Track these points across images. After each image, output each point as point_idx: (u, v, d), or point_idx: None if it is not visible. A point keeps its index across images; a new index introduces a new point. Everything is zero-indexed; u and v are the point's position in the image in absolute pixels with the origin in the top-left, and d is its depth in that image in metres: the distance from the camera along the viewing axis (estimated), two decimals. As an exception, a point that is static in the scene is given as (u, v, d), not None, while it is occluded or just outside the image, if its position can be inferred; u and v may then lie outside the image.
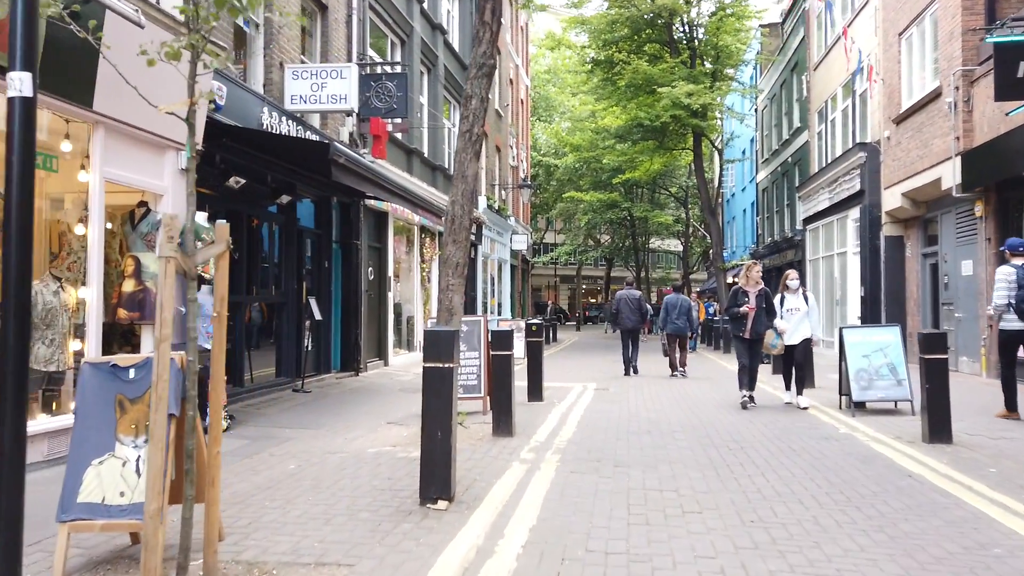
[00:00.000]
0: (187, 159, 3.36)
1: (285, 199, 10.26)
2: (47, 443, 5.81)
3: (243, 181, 8.95)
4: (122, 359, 3.91)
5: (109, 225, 7.18)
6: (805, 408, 9.05)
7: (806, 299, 9.39)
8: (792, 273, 9.67)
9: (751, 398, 9.31)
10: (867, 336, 9.27)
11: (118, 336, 7.62)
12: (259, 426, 7.97)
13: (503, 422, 7.35)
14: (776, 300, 9.38)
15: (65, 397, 6.37)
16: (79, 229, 6.45)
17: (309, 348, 11.84)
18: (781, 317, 9.27)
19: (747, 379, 9.30)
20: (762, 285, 9.47)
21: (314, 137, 10.73)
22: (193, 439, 3.47)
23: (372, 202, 13.68)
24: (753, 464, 6.04)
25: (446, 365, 4.80)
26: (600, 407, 9.53)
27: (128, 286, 7.08)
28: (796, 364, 9.34)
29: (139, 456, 3.80)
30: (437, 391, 4.77)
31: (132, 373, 3.88)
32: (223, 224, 3.54)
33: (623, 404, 9.88)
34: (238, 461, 6.28)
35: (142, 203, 7.27)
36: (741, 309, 9.24)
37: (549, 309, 41.86)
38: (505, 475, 5.68)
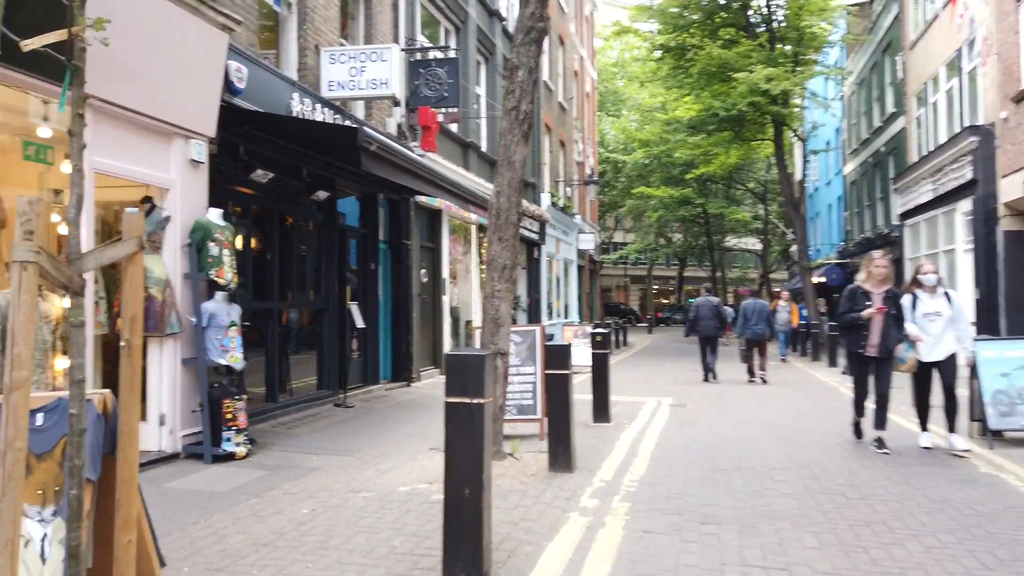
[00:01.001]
0: (60, 110, 2.30)
1: (322, 195, 9.33)
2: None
3: (270, 175, 8.03)
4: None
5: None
6: (964, 454, 6.69)
7: (949, 300, 7.06)
8: (927, 266, 7.30)
9: (881, 442, 6.91)
10: (1005, 351, 7.64)
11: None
12: (284, 450, 7.00)
13: (561, 455, 6.15)
14: (905, 303, 7.04)
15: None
16: (65, 229, 5.58)
17: (355, 356, 10.93)
18: (914, 323, 6.97)
19: (879, 416, 6.96)
20: (890, 284, 7.10)
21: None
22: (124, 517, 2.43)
23: (424, 199, 12.68)
24: (883, 525, 4.65)
25: (475, 400, 3.66)
26: (678, 431, 8.20)
27: (131, 294, 6.20)
28: (946, 389, 6.89)
29: (45, 535, 2.78)
30: (463, 434, 3.64)
31: (40, 419, 2.86)
32: (132, 214, 2.47)
33: (705, 427, 8.51)
34: (244, 501, 5.28)
35: (146, 199, 6.40)
36: (862, 314, 6.92)
37: (620, 310, 40.28)
38: (560, 535, 4.48)
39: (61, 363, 5.40)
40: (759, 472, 6.14)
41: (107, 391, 2.93)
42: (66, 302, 5.27)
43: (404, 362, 12.18)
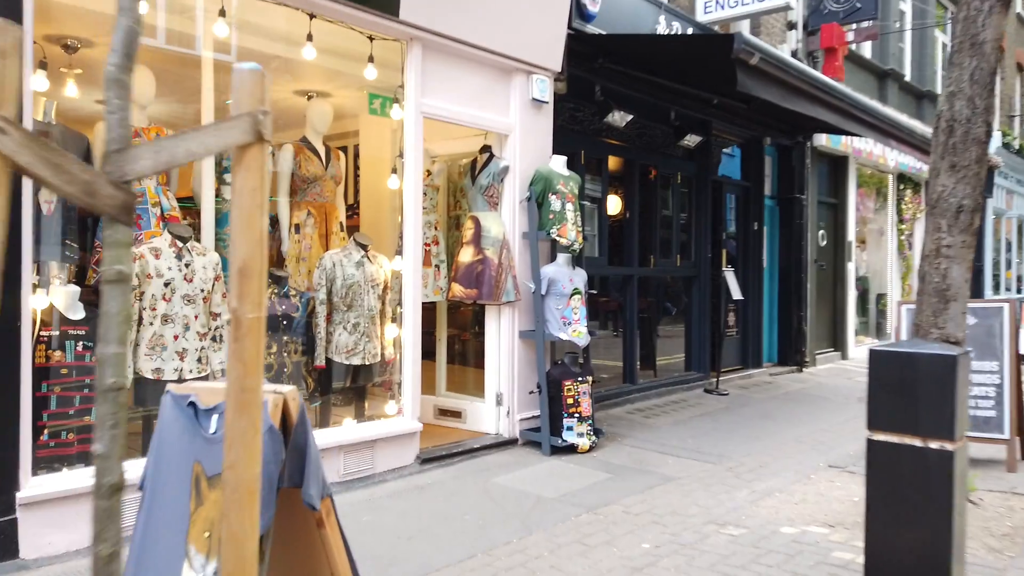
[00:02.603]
0: None
1: (693, 140, 7.78)
2: (342, 459, 4.49)
3: (629, 117, 6.76)
4: (204, 390, 1.99)
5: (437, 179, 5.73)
6: None
7: None
8: None
9: None
10: None
11: (468, 320, 6.19)
12: (635, 446, 5.75)
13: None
14: None
15: (376, 399, 5.08)
16: (392, 182, 5.04)
17: (732, 334, 9.23)
18: None
19: None
20: None
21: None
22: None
23: (824, 142, 10.26)
24: None
25: (935, 445, 1.83)
26: None
27: (466, 255, 5.51)
28: None
29: (206, 600, 1.85)
30: (907, 502, 1.83)
31: (214, 424, 1.93)
32: (247, 70, 1.28)
33: None
34: (573, 516, 4.14)
35: (484, 148, 5.62)
36: None
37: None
38: None
39: (391, 332, 4.86)
40: None
41: (290, 388, 1.90)
42: (397, 264, 4.68)
43: (794, 343, 10.05)
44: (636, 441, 5.91)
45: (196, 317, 3.94)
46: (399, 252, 4.89)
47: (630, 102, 6.90)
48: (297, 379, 4.41)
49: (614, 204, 7.64)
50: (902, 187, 13.16)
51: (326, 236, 4.87)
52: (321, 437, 4.37)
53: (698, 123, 8.03)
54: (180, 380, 3.92)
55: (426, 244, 5.75)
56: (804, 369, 10.12)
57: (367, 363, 4.72)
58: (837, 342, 11.39)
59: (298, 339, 4.44)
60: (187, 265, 3.91)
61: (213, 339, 4.05)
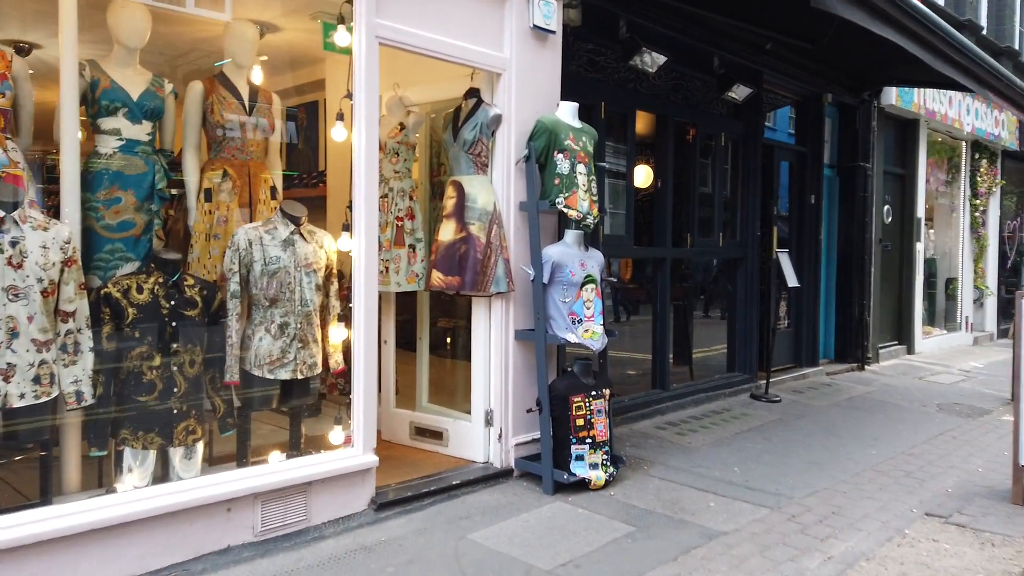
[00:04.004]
0: None
1: (742, 92, 6.36)
2: (258, 511, 3.27)
3: (663, 59, 5.38)
4: None
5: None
6: None
7: None
8: None
9: None
10: None
11: (462, 311, 4.93)
12: (666, 477, 4.45)
13: None
14: None
15: (317, 423, 3.84)
16: (337, 133, 3.75)
17: (783, 327, 7.85)
18: None
19: None
20: None
21: None
22: None
23: (893, 101, 8.73)
24: None
25: None
26: None
27: (446, 232, 4.23)
28: None
29: None
30: None
31: None
32: None
33: None
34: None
35: (471, 92, 4.31)
36: None
37: None
38: None
39: (337, 335, 3.63)
40: None
41: None
42: (346, 244, 3.43)
43: (855, 336, 8.61)
44: (667, 470, 4.61)
45: (30, 319, 2.74)
46: (346, 227, 3.63)
47: (663, 42, 5.52)
48: (196, 403, 3.20)
49: (642, 171, 6.29)
50: (977, 156, 11.51)
51: (251, 206, 3.63)
52: (229, 483, 3.16)
53: (747, 73, 6.60)
54: (4, 408, 2.73)
55: (398, 218, 4.50)
56: (866, 367, 8.68)
57: (300, 377, 3.49)
58: (902, 334, 9.90)
59: (197, 347, 3.21)
60: (12, 244, 2.71)
61: (63, 349, 2.86)
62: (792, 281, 6.89)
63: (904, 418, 6.32)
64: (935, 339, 10.67)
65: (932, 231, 11.17)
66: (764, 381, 6.92)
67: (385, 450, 4.60)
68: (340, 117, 3.75)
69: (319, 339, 3.57)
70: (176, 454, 3.18)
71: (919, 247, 10.02)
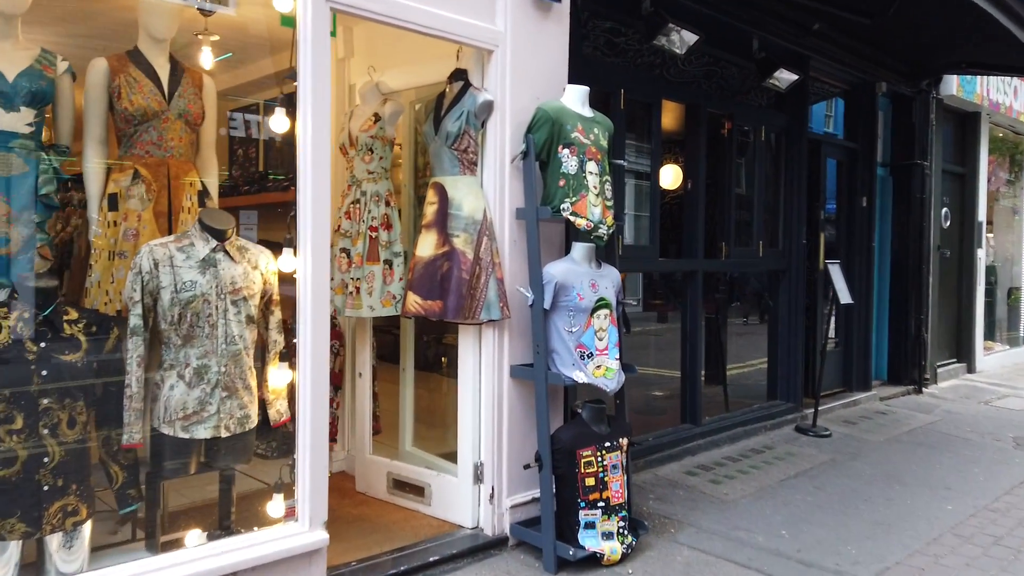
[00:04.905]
0: None
1: (785, 79, 5.49)
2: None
3: (694, 38, 4.55)
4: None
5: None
6: None
7: None
8: None
9: None
10: None
11: (445, 333, 4.16)
12: (697, 547, 3.61)
13: None
14: None
15: (254, 496, 3.07)
16: (277, 123, 2.98)
17: (832, 347, 6.93)
18: None
19: None
20: None
21: None
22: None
23: (954, 91, 7.76)
24: None
25: None
26: None
27: (425, 246, 3.44)
28: None
29: None
30: None
31: None
32: None
33: None
34: None
35: (457, 74, 3.52)
36: None
37: None
38: None
39: (278, 377, 2.86)
40: None
41: None
42: (288, 263, 2.66)
43: (911, 355, 7.65)
44: (699, 535, 3.76)
45: None
46: (287, 243, 2.86)
47: (694, 20, 4.67)
48: (78, 475, 2.44)
49: (670, 170, 5.45)
50: (1044, 153, 10.44)
51: (169, 215, 2.88)
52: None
53: (790, 58, 5.73)
54: None
55: (372, 228, 3.73)
56: (924, 389, 7.72)
57: (227, 434, 2.73)
58: (961, 351, 8.90)
59: (79, 401, 2.46)
60: None
61: None
62: (845, 297, 5.98)
63: (977, 457, 5.39)
64: (997, 355, 9.63)
65: (991, 235, 10.14)
66: (811, 411, 6.02)
67: (357, 506, 3.84)
68: (281, 102, 2.98)
69: (252, 385, 2.80)
70: (52, 542, 2.43)
71: (979, 253, 9.01)
